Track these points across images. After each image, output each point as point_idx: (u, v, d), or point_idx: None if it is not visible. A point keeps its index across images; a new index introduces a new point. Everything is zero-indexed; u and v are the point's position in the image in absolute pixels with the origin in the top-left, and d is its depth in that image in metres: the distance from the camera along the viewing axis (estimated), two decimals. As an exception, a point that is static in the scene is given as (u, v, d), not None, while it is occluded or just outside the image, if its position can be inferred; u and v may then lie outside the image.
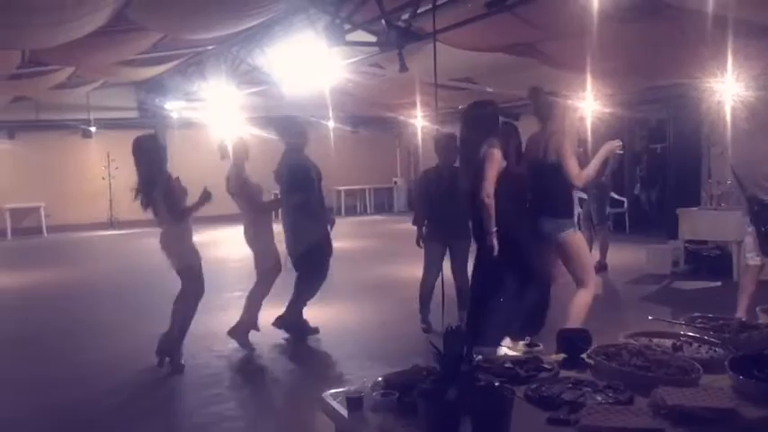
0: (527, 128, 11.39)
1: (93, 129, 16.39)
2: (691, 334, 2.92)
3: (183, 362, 5.68)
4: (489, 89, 12.33)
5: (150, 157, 5.63)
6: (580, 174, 5.06)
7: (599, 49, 7.40)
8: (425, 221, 6.56)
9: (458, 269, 6.46)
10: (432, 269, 6.48)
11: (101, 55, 9.35)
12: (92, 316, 7.71)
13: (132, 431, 4.64)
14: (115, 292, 8.78)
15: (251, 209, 6.23)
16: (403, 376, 2.43)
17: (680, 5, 6.36)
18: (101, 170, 16.44)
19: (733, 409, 2.17)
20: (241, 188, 6.18)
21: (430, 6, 6.31)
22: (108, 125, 16.24)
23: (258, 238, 6.20)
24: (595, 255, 9.14)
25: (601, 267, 9.14)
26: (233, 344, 6.22)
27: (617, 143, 5.40)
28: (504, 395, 2.07)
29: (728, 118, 10.36)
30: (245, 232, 6.29)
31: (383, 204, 20.02)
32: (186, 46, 10.52)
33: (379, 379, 2.45)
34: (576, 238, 5.23)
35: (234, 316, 6.33)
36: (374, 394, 2.31)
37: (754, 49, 7.42)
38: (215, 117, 14.25)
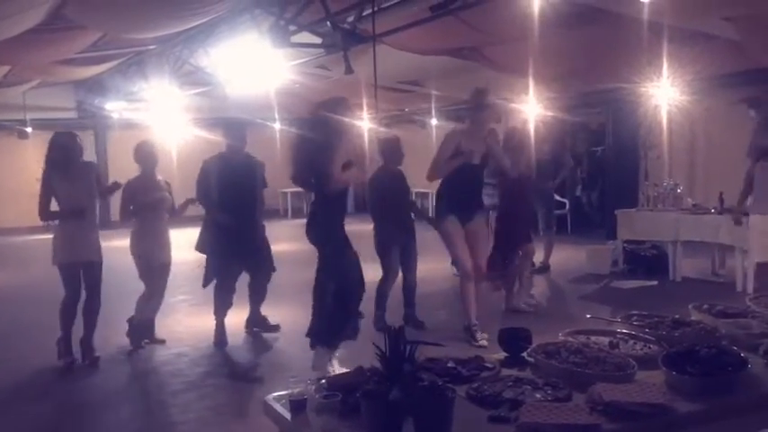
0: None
1: (29, 129, 15.88)
2: (627, 331, 3.01)
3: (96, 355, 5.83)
4: (435, 92, 12.45)
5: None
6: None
7: (541, 53, 7.56)
8: (378, 223, 6.60)
9: (411, 268, 6.62)
10: (393, 270, 6.56)
11: (37, 54, 9.09)
12: (14, 320, 7.49)
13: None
14: (44, 296, 8.54)
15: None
16: (346, 378, 2.44)
17: (618, 13, 6.54)
18: (37, 172, 15.86)
19: (666, 404, 2.24)
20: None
21: (375, 9, 6.33)
22: (45, 125, 15.68)
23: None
24: (540, 256, 9.33)
25: (544, 268, 9.32)
26: (175, 348, 6.16)
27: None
28: (445, 394, 2.10)
29: (665, 122, 10.71)
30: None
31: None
32: (127, 45, 10.31)
33: (323, 381, 2.45)
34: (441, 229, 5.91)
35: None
36: (317, 396, 2.31)
37: (688, 55, 7.68)
38: (157, 118, 14.00)
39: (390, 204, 6.53)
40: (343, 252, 5.15)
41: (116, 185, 5.92)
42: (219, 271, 6.21)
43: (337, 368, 5.01)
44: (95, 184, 5.82)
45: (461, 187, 5.90)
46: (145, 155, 6.18)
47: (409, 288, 6.68)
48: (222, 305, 6.28)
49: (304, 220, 5.39)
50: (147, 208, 6.05)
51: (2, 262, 11.88)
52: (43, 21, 6.85)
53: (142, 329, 6.20)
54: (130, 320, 6.21)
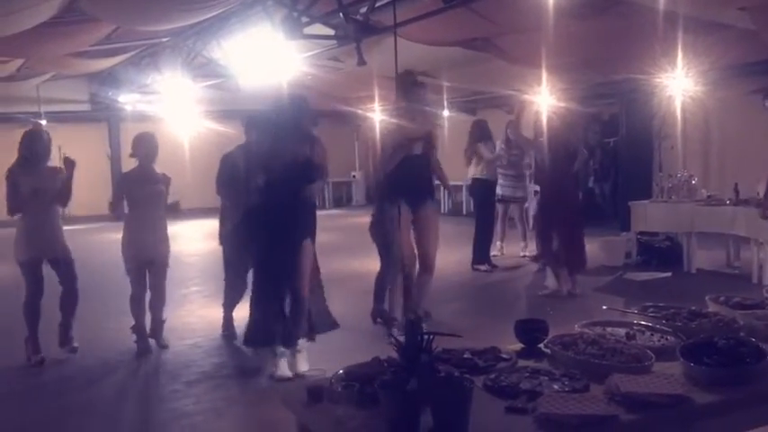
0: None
1: (43, 122, 15.98)
2: (643, 323, 3.00)
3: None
4: (447, 83, 12.42)
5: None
6: None
7: (553, 44, 7.52)
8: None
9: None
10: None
11: (51, 46, 9.14)
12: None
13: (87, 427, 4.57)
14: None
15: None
16: (364, 368, 2.45)
17: (632, 2, 6.50)
18: (52, 164, 16.04)
19: (684, 395, 2.24)
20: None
21: (388, 0, 6.31)
22: (59, 118, 15.85)
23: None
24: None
25: (575, 266, 9.26)
26: (188, 339, 6.20)
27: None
28: (463, 385, 2.10)
29: (679, 112, 10.65)
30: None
31: (342, 198, 19.99)
32: (140, 38, 10.34)
33: (341, 371, 2.46)
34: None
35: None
36: (335, 386, 2.32)
37: (703, 45, 7.61)
38: (170, 110, 14.05)
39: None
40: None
41: (69, 162, 5.71)
42: (232, 264, 6.23)
43: (283, 370, 5.01)
44: (58, 185, 5.72)
45: (409, 172, 5.79)
46: (144, 146, 6.01)
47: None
48: (231, 299, 6.26)
49: (318, 212, 5.39)
50: (141, 201, 5.90)
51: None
52: (57, 14, 6.88)
53: (144, 333, 6.01)
54: (132, 329, 6.03)
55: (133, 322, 6.03)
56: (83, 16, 7.40)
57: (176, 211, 6.26)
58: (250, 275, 5.86)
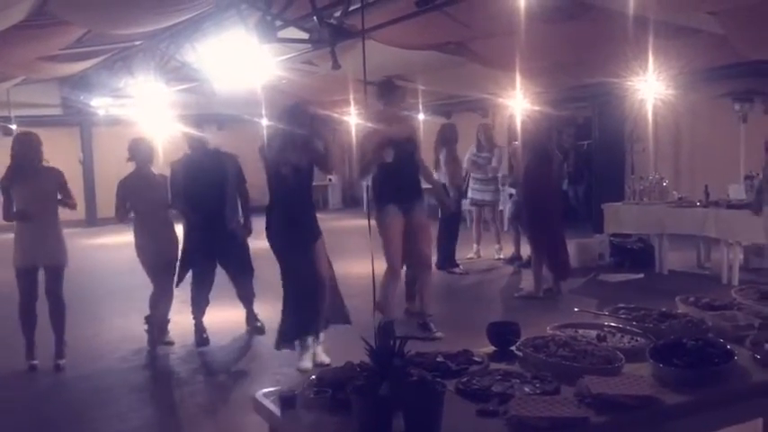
0: (459, 125, 11.56)
1: (13, 126, 15.74)
2: (614, 324, 3.03)
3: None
4: (422, 87, 12.44)
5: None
6: None
7: (527, 48, 7.57)
8: None
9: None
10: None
11: (21, 51, 9.00)
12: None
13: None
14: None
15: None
16: (337, 373, 2.44)
17: (603, 7, 6.57)
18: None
19: (653, 396, 2.26)
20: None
21: (359, 5, 6.32)
22: (30, 122, 15.51)
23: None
24: (527, 249, 9.37)
25: (530, 261, 9.34)
26: (164, 345, 6.16)
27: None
28: (435, 389, 2.11)
29: (650, 115, 10.78)
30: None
31: (318, 202, 19.89)
32: (112, 41, 10.23)
33: (312, 377, 2.45)
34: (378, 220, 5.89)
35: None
36: (307, 392, 2.32)
37: (674, 49, 7.71)
38: (143, 114, 13.91)
39: None
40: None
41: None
42: (191, 269, 6.19)
43: (322, 358, 5.18)
44: (57, 189, 5.68)
45: (397, 175, 5.83)
46: (141, 151, 6.09)
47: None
48: (197, 304, 6.25)
49: (318, 215, 5.47)
50: (144, 206, 5.99)
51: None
52: (26, 17, 6.79)
53: (157, 328, 6.13)
54: (147, 318, 6.14)
55: (146, 315, 6.15)
56: (53, 20, 7.30)
57: None
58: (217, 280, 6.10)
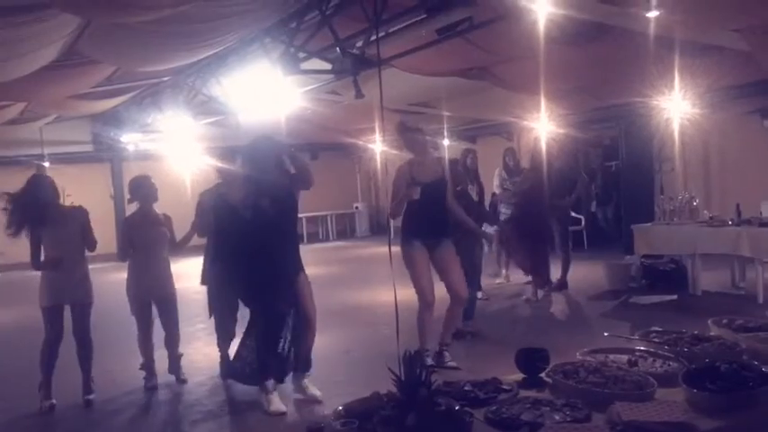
0: (484, 149, 11.59)
1: (46, 164, 16.10)
2: (646, 348, 2.98)
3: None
4: (447, 113, 12.50)
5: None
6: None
7: (550, 71, 7.58)
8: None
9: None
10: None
11: (53, 89, 9.23)
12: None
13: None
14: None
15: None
16: (364, 404, 2.42)
17: (625, 28, 6.55)
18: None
19: (687, 422, 2.21)
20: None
21: (382, 34, 6.39)
22: (63, 159, 15.98)
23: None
24: (557, 273, 9.30)
25: (561, 285, 9.26)
26: (193, 377, 6.18)
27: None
28: (463, 419, 2.09)
29: (677, 135, 10.69)
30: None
31: (345, 230, 20.02)
32: (141, 78, 10.45)
33: (340, 408, 2.44)
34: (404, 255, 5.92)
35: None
36: (334, 423, 2.30)
37: (699, 68, 7.66)
38: (172, 148, 14.14)
39: None
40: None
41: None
42: (218, 301, 6.20)
43: (276, 405, 5.13)
44: (81, 229, 5.66)
45: (425, 211, 5.82)
46: (142, 190, 6.06)
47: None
48: (223, 336, 6.23)
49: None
50: (144, 244, 5.98)
51: (27, 298, 11.94)
52: (57, 57, 6.97)
53: (152, 370, 6.08)
54: (141, 366, 6.10)
55: (141, 361, 6.09)
56: (83, 59, 7.49)
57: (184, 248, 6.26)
58: (239, 314, 6.05)
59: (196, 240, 6.17)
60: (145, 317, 6.04)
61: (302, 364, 5.42)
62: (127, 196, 6.21)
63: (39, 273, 5.62)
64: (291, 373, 5.44)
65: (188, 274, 6.32)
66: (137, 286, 5.98)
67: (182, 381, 6.14)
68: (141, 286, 5.96)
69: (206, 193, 6.33)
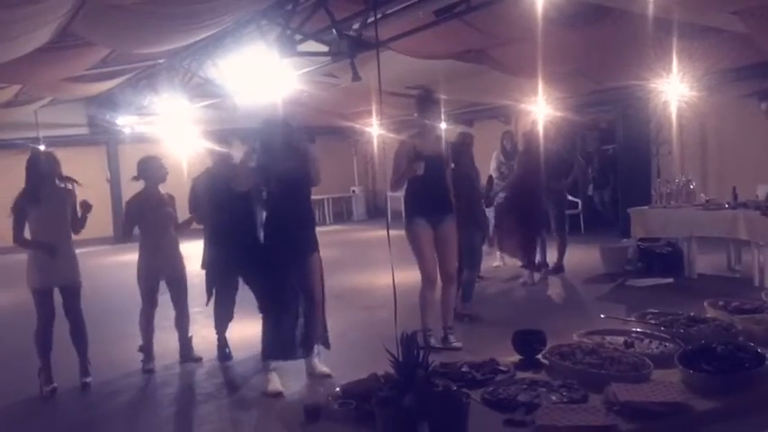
0: (482, 132, 11.55)
1: (42, 147, 16.01)
2: (642, 330, 2.99)
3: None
4: (443, 96, 12.44)
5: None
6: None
7: (547, 53, 7.55)
8: None
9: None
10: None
11: (48, 72, 9.16)
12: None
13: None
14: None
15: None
16: (361, 385, 2.43)
17: (624, 9, 6.52)
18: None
19: (683, 403, 2.22)
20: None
21: (379, 16, 6.34)
22: (58, 142, 15.86)
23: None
24: (553, 257, 9.32)
25: (557, 269, 9.29)
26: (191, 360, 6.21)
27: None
28: (460, 399, 2.09)
29: (675, 118, 10.67)
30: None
31: (342, 214, 20.00)
32: (136, 60, 10.38)
33: (337, 389, 2.45)
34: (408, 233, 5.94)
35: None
36: (331, 404, 2.31)
37: (697, 50, 7.63)
38: (168, 131, 14.08)
39: None
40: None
41: (86, 206, 5.65)
42: (216, 284, 6.22)
43: (274, 385, 5.19)
44: (70, 209, 5.66)
45: (427, 188, 5.84)
46: (151, 169, 6.08)
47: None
48: (221, 319, 6.27)
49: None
50: (152, 224, 5.99)
51: (19, 281, 11.94)
52: (52, 39, 6.91)
53: (150, 352, 6.10)
54: (139, 348, 6.10)
55: (140, 343, 6.10)
56: (78, 40, 7.43)
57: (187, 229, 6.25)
58: (238, 296, 6.11)
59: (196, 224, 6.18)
60: (151, 298, 6.06)
61: (309, 345, 5.46)
62: (133, 174, 6.19)
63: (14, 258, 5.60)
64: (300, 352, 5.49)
65: (188, 256, 6.31)
66: (147, 267, 6.00)
67: (196, 359, 6.20)
68: (152, 267, 5.99)
69: (198, 177, 6.31)
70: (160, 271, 6.03)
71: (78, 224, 5.71)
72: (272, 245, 5.24)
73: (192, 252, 6.42)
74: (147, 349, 6.10)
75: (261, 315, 5.39)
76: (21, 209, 5.52)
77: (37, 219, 5.53)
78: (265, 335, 5.32)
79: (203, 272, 6.27)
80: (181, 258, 6.18)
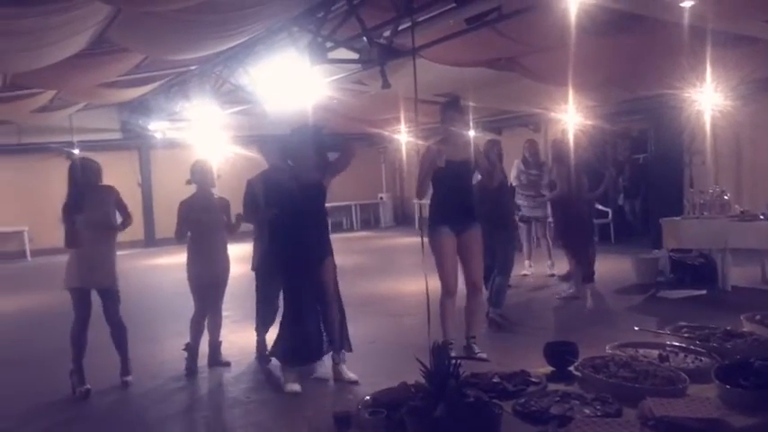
0: (510, 141, 11.50)
1: (76, 151, 16.28)
2: (677, 343, 2.94)
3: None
4: (473, 103, 12.41)
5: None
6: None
7: (579, 62, 7.48)
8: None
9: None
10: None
11: (83, 77, 9.33)
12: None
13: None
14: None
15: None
16: (391, 394, 2.42)
17: (657, 18, 6.45)
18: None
19: (720, 419, 2.17)
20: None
21: (410, 24, 6.35)
22: (91, 147, 16.10)
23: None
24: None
25: (587, 278, 9.18)
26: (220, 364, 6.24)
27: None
28: (491, 411, 2.07)
29: (708, 127, 10.52)
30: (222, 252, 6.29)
31: (369, 220, 20.03)
32: (169, 66, 10.52)
33: (368, 397, 2.44)
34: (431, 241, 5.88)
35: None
36: (362, 413, 2.30)
37: (731, 59, 7.52)
38: (199, 137, 14.23)
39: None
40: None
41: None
42: (262, 287, 6.26)
43: (290, 385, 5.34)
44: (115, 208, 5.76)
45: (452, 197, 5.83)
46: (201, 173, 6.21)
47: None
48: (263, 322, 6.31)
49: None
50: (203, 227, 6.09)
51: (40, 284, 12.09)
52: (87, 46, 7.03)
53: (196, 353, 6.16)
54: (187, 347, 6.16)
55: (186, 342, 6.17)
56: (112, 47, 7.56)
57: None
58: (280, 299, 6.01)
59: (244, 226, 6.24)
60: (204, 299, 6.13)
61: (336, 348, 5.55)
62: (184, 178, 6.29)
63: (66, 257, 5.69)
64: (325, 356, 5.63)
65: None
66: (195, 270, 6.08)
67: (224, 364, 6.23)
68: (200, 270, 6.07)
69: (254, 178, 6.33)
70: (207, 274, 6.08)
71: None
72: (287, 249, 5.34)
73: (234, 254, 6.45)
74: (192, 349, 6.15)
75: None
76: (68, 216, 5.58)
77: (81, 224, 5.59)
78: (282, 339, 5.47)
79: (239, 274, 6.31)
80: (228, 264, 6.23)
